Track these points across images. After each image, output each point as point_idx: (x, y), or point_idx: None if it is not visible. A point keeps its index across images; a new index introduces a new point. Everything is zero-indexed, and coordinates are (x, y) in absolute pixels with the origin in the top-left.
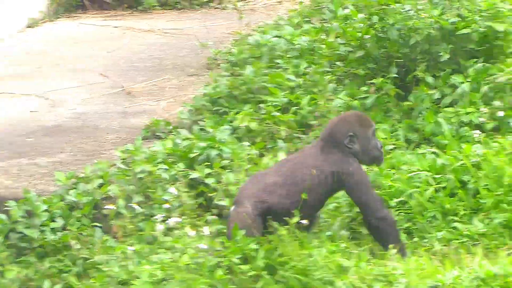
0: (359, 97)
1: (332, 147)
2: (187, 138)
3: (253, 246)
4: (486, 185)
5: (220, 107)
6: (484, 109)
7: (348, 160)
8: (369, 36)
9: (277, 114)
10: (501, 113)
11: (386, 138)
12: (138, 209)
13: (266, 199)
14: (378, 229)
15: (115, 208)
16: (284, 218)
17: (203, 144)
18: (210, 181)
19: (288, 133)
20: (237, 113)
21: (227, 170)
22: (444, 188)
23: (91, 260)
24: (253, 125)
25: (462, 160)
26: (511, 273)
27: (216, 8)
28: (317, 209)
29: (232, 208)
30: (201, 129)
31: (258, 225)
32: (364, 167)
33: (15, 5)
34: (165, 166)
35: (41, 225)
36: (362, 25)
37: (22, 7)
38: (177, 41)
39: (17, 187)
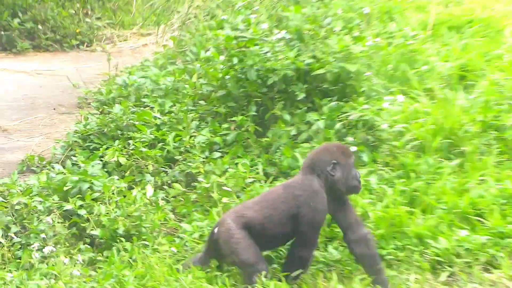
0: (221, 133)
1: (314, 174)
2: (61, 172)
3: (125, 272)
4: None
5: (91, 143)
6: None
7: (318, 194)
8: (229, 76)
9: (145, 149)
10: (353, 148)
11: (246, 171)
12: (16, 238)
13: (245, 213)
14: (299, 264)
15: None
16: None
17: (75, 178)
18: (82, 212)
19: (155, 168)
20: (107, 148)
21: (98, 202)
22: None
23: None
24: (122, 160)
25: None
26: None
27: (86, 50)
28: (287, 229)
29: (216, 229)
30: (74, 164)
31: (247, 235)
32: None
33: None
34: (40, 199)
35: None
36: (223, 66)
37: None
38: (50, 81)
39: None
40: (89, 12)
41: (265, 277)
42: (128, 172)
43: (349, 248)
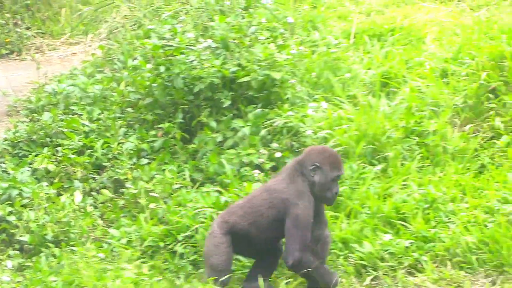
0: (148, 140)
1: (298, 174)
2: None
3: (53, 277)
4: None
5: (20, 150)
6: (263, 151)
7: (303, 193)
8: (156, 84)
9: (73, 156)
10: (278, 154)
11: (173, 178)
12: None
13: (228, 219)
14: (291, 268)
15: None
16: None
17: (5, 184)
18: (11, 218)
19: (84, 174)
20: (36, 155)
21: (27, 208)
22: None
23: None
24: (51, 166)
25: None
26: None
27: (15, 59)
28: (274, 234)
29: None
30: (3, 171)
31: (226, 242)
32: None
33: None
34: None
35: None
36: (150, 74)
37: None
38: None
39: None
40: (19, 22)
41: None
42: (57, 178)
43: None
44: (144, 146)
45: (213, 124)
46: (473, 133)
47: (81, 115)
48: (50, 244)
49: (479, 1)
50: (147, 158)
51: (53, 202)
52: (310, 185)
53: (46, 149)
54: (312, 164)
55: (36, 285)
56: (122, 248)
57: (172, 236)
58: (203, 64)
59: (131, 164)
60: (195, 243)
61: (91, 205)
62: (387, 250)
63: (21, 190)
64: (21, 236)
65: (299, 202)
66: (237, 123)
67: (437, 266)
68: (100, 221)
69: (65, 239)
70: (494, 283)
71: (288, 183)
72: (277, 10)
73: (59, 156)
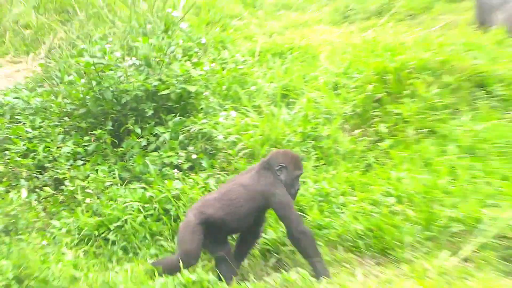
0: (83, 145)
1: (267, 171)
2: None
3: (4, 262)
4: (184, 211)
5: None
6: (181, 153)
7: (275, 183)
8: (89, 96)
9: (19, 159)
10: (194, 156)
11: (104, 176)
12: None
13: (204, 211)
14: (299, 241)
15: None
16: (221, 227)
17: None
18: None
19: (28, 174)
20: None
21: None
22: (151, 215)
23: None
24: (0, 168)
25: (165, 193)
26: (205, 279)
27: None
28: (250, 221)
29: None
30: None
31: (199, 231)
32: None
33: None
34: None
35: None
36: (83, 88)
37: None
38: None
39: None
40: None
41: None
42: (5, 178)
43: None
44: (80, 149)
45: (138, 130)
46: (361, 137)
47: (24, 123)
48: (1, 234)
49: (366, 24)
50: (82, 160)
51: (3, 198)
52: (279, 181)
53: None
54: (279, 164)
55: None
56: (62, 236)
57: (104, 226)
58: (129, 79)
59: (69, 165)
60: (124, 232)
61: (35, 200)
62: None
63: None
64: None
65: (275, 191)
66: (159, 129)
67: (330, 250)
68: (43, 214)
69: (14, 229)
70: (378, 264)
71: (259, 178)
72: (192, 32)
73: (7, 159)
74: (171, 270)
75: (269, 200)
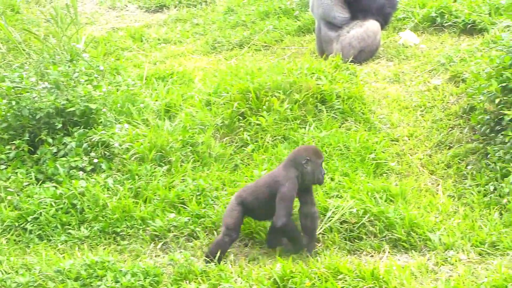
0: (5, 152)
1: (292, 166)
2: None
3: None
4: (89, 205)
5: None
6: (85, 158)
7: (291, 178)
8: (10, 113)
9: None
10: (96, 160)
11: (23, 178)
12: None
13: (241, 194)
14: (282, 231)
15: None
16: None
17: None
18: None
19: None
20: None
21: None
22: (61, 208)
23: None
24: None
25: (72, 190)
26: (106, 260)
27: None
28: (271, 207)
29: None
30: None
31: (238, 209)
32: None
33: None
34: None
35: None
36: (5, 107)
37: None
38: None
39: None
40: None
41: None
42: None
43: (299, 218)
44: (2, 156)
45: (50, 140)
46: (229, 143)
47: None
48: None
49: (230, 54)
50: (4, 165)
51: None
52: (301, 175)
53: None
54: (304, 159)
55: None
56: None
57: (23, 218)
58: (42, 99)
59: None
60: (40, 222)
61: None
62: (172, 224)
63: None
64: None
65: (286, 183)
66: (67, 139)
67: (207, 234)
68: None
69: None
70: (246, 245)
71: (282, 171)
72: (92, 61)
73: None
74: (218, 247)
75: (278, 188)
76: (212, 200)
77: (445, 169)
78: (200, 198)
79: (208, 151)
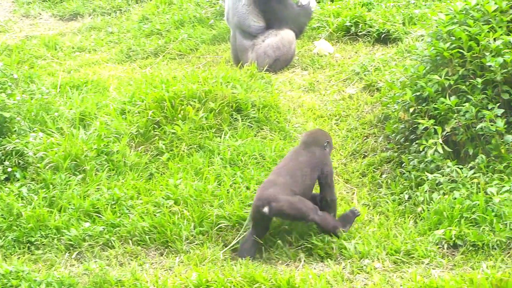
0: None
1: (315, 148)
2: None
3: None
4: (2, 215)
5: None
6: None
7: (327, 156)
8: None
9: None
10: (10, 169)
11: None
12: None
13: (292, 189)
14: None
15: None
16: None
17: None
18: None
19: None
20: None
21: None
22: None
23: None
24: None
25: None
26: (21, 270)
27: None
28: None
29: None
30: None
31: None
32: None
33: None
34: None
35: None
36: None
37: None
38: None
39: None
40: None
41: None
42: None
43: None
44: None
45: None
46: (144, 152)
47: None
48: None
49: (145, 62)
50: None
51: None
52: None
53: None
54: (325, 141)
55: None
56: None
57: None
58: None
59: None
60: None
61: None
62: (87, 233)
63: None
64: None
65: (328, 163)
66: None
67: (122, 244)
68: None
69: None
70: (162, 254)
71: (315, 150)
72: (5, 69)
73: None
74: (250, 247)
75: (322, 169)
76: (127, 209)
77: (360, 178)
78: (115, 207)
79: (123, 160)
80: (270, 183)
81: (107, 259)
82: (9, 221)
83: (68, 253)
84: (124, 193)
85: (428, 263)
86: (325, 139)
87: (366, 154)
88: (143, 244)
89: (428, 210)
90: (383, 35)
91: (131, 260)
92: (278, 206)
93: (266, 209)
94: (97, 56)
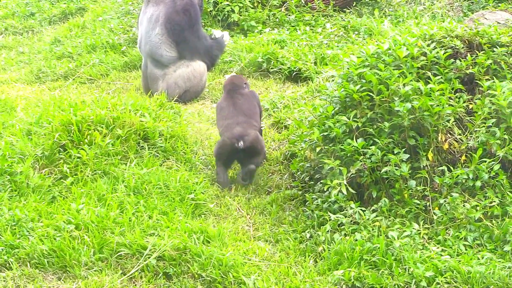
0: None
1: (241, 89)
2: None
3: None
4: None
5: None
6: None
7: (252, 92)
8: None
9: None
10: None
11: None
12: None
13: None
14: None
15: None
16: None
17: None
18: None
19: None
20: None
21: None
22: None
23: None
24: None
25: None
26: None
27: None
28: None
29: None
30: None
31: None
32: None
33: None
34: None
35: None
36: None
37: None
38: None
39: None
40: None
41: None
42: None
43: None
44: None
45: None
46: (48, 175)
47: None
48: None
49: (55, 84)
50: None
51: None
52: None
53: None
54: (243, 83)
55: None
56: None
57: None
58: None
59: None
60: None
61: None
62: None
63: None
64: None
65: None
66: None
67: (20, 265)
68: None
69: None
70: (59, 279)
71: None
72: None
73: None
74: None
75: (258, 102)
76: (28, 231)
77: (263, 214)
78: (15, 229)
79: (26, 181)
80: (234, 124)
81: (4, 281)
82: None
83: None
84: (25, 214)
85: None
86: (243, 81)
87: (270, 190)
88: (41, 268)
89: (329, 250)
90: (294, 73)
91: (28, 283)
92: (250, 139)
93: (241, 143)
94: (6, 75)
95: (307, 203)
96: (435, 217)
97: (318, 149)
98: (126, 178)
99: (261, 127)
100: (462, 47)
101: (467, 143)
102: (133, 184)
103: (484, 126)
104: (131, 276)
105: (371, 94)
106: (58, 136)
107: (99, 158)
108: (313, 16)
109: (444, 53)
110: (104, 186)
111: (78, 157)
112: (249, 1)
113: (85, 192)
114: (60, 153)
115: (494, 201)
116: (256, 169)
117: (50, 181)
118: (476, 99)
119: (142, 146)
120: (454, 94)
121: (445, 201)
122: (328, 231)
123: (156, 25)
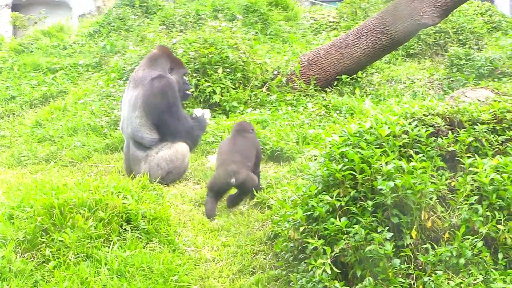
0: None
1: (246, 133)
2: None
3: None
4: None
5: None
6: None
7: (256, 137)
8: None
9: None
10: None
11: None
12: None
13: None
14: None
15: None
16: None
17: None
18: None
19: None
20: None
21: None
22: None
23: None
24: None
25: None
26: None
27: None
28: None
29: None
30: None
31: None
32: None
33: None
34: None
35: None
36: None
37: None
38: None
39: None
40: None
41: None
42: None
43: None
44: None
45: None
46: (30, 259)
47: None
48: None
49: (36, 168)
50: None
51: None
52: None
53: None
54: (250, 129)
55: None
56: None
57: None
58: None
59: None
60: None
61: None
62: None
63: None
64: None
65: (258, 143)
66: None
67: None
68: None
69: None
70: None
71: (249, 136)
72: None
73: None
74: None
75: (257, 148)
76: None
77: None
78: None
79: (8, 266)
80: (229, 161)
81: None
82: None
83: None
84: None
85: None
86: (250, 127)
87: (254, 271)
88: None
89: None
90: (276, 153)
91: None
92: (242, 177)
93: (233, 180)
94: None
95: (291, 284)
96: None
97: (301, 228)
98: (109, 261)
99: (259, 171)
100: (444, 125)
101: (450, 221)
102: (116, 267)
103: (466, 203)
104: None
105: (353, 173)
106: (40, 220)
107: (82, 241)
108: (294, 95)
109: (426, 131)
110: (87, 270)
111: (61, 241)
112: (231, 82)
113: (68, 276)
114: (43, 237)
115: (478, 278)
116: (243, 199)
117: (32, 265)
118: (458, 176)
119: (125, 229)
120: (436, 171)
121: (430, 279)
122: None
123: (135, 108)
